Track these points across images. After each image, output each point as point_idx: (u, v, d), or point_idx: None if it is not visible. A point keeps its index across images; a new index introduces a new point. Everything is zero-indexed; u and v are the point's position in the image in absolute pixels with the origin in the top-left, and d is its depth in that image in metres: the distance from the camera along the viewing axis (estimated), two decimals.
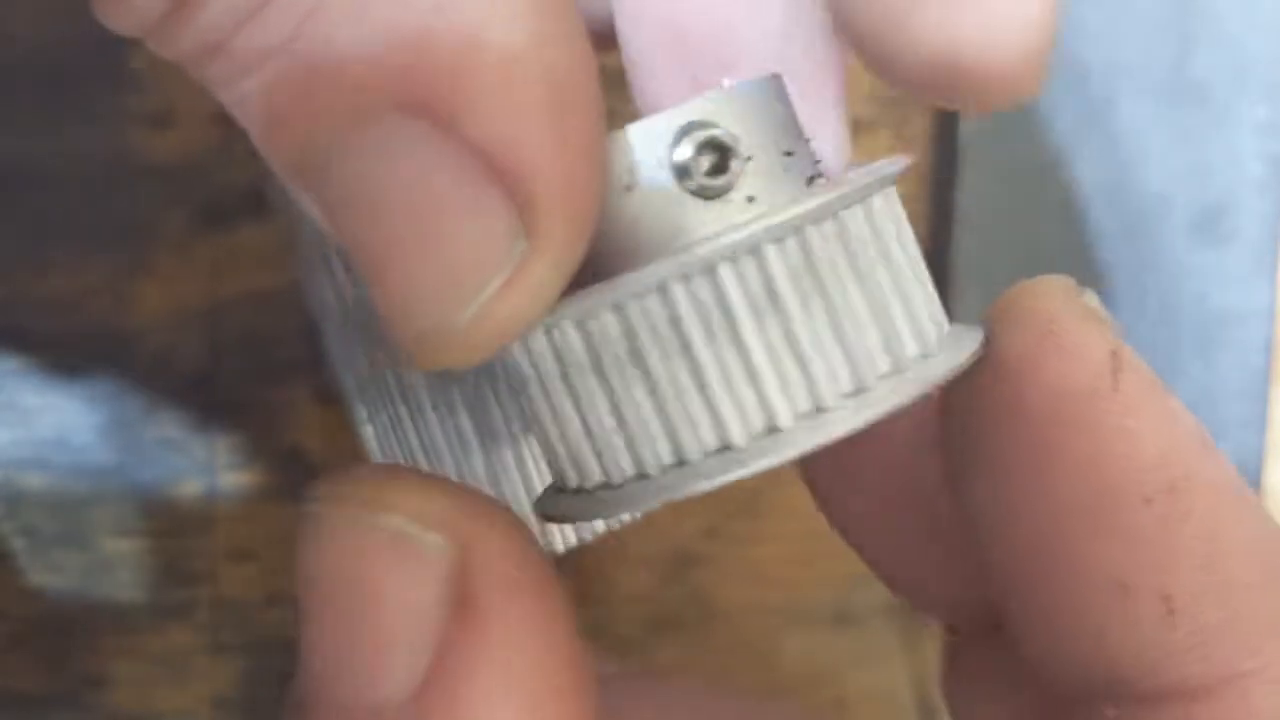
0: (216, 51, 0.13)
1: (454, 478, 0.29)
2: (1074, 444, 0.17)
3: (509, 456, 0.29)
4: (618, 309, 0.15)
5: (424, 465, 0.30)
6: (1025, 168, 0.36)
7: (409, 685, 0.15)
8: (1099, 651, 0.17)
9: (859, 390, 0.16)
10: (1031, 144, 0.35)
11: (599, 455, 0.16)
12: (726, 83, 0.17)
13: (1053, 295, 0.18)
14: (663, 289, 0.15)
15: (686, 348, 0.15)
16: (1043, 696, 0.19)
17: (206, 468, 0.34)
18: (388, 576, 0.16)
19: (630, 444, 0.16)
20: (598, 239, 0.15)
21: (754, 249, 0.15)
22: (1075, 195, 0.36)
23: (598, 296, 0.15)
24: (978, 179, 0.35)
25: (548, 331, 0.15)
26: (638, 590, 0.36)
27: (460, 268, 0.14)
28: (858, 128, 0.35)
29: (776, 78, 0.17)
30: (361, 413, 0.30)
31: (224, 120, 0.35)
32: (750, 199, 0.16)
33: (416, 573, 0.16)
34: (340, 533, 0.16)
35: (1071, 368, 0.17)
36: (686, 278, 0.15)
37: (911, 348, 0.17)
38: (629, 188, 0.16)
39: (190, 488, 0.34)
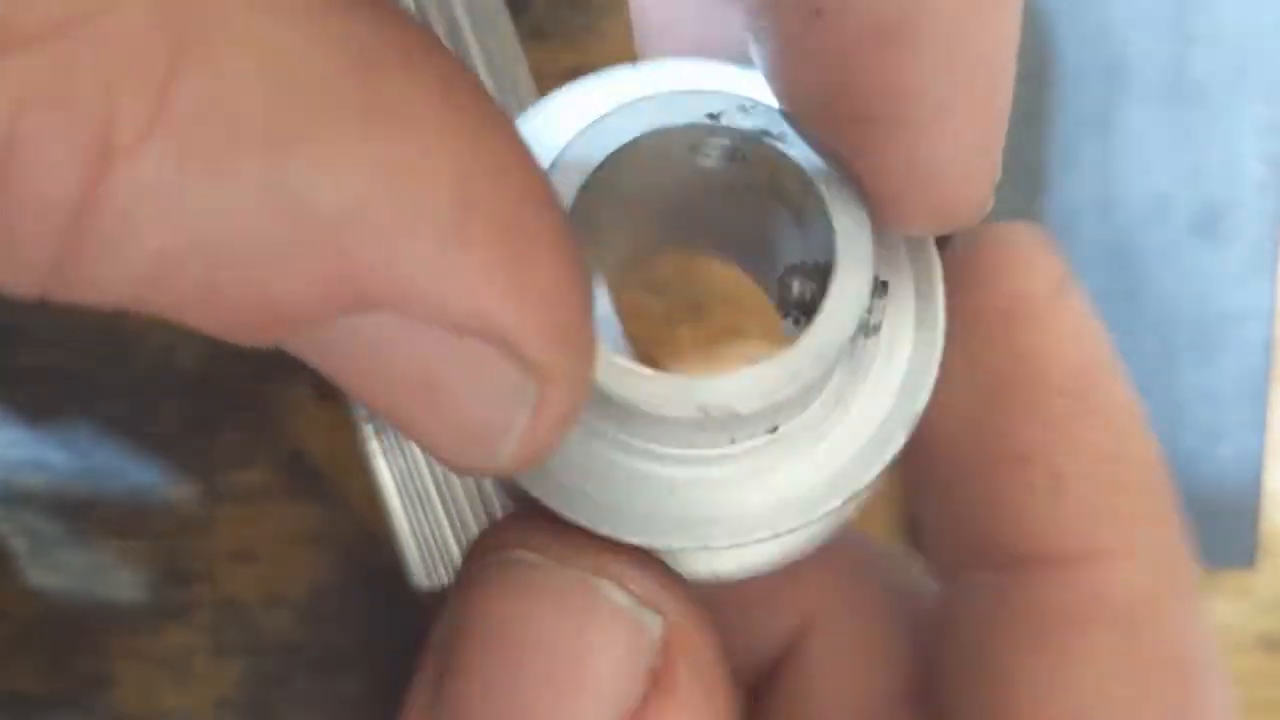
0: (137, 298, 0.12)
1: (453, 474, 0.29)
2: (1016, 337, 0.19)
3: None
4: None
5: (423, 463, 0.30)
6: (1025, 168, 0.35)
7: None
8: (987, 516, 0.19)
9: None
10: (1031, 144, 0.35)
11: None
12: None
13: (1023, 229, 0.20)
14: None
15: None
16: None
17: (205, 468, 0.34)
18: (594, 639, 0.16)
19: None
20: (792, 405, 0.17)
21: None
22: (1074, 195, 0.36)
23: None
24: None
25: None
26: None
27: (479, 428, 0.14)
28: None
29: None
30: (361, 413, 0.30)
31: None
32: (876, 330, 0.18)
33: (627, 642, 0.16)
34: (552, 592, 0.16)
35: (1029, 277, 0.19)
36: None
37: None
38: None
39: (189, 488, 0.34)
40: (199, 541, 0.34)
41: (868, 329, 0.17)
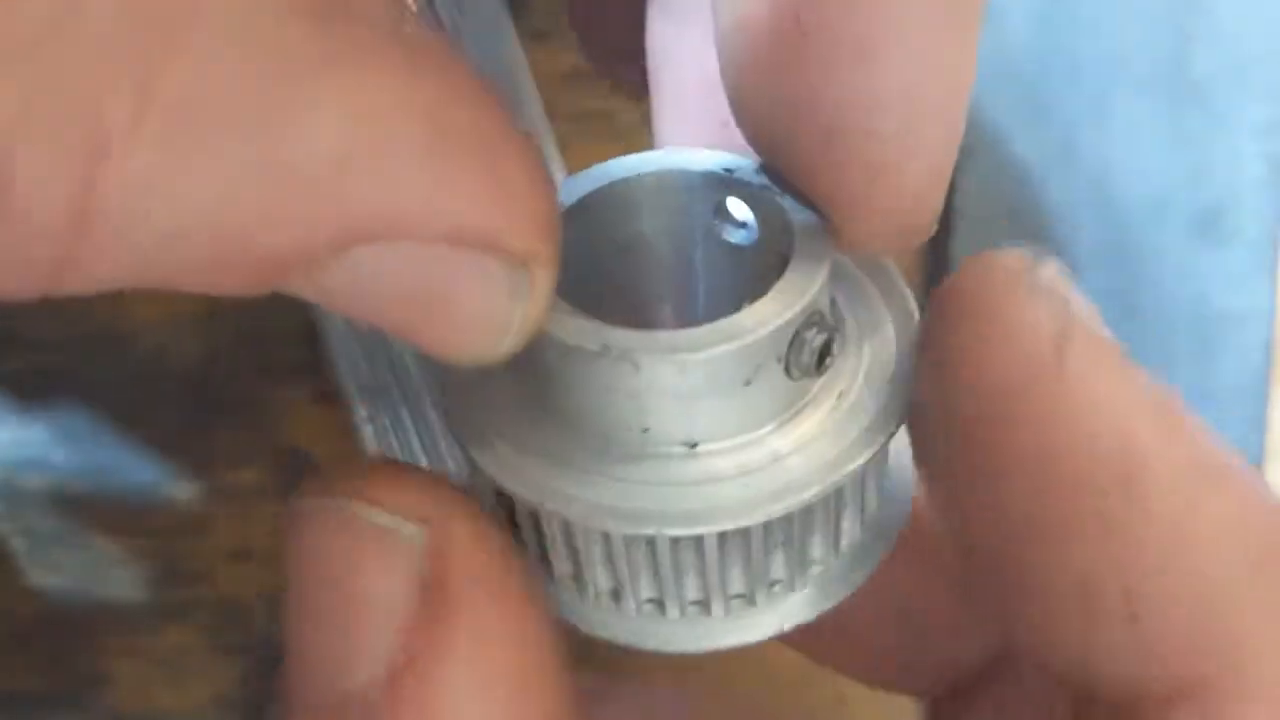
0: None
1: (452, 474, 0.29)
2: (1023, 436, 0.16)
3: None
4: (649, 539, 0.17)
5: (425, 465, 0.30)
6: (1024, 167, 0.36)
7: (380, 672, 0.16)
8: (1070, 656, 0.16)
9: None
10: (1031, 144, 0.35)
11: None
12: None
13: (994, 275, 0.16)
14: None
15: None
16: None
17: (204, 467, 0.34)
18: (364, 564, 0.16)
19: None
20: (705, 416, 0.17)
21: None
22: (1075, 195, 0.36)
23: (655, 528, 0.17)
24: (977, 177, 0.35)
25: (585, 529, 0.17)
26: None
27: (484, 324, 0.15)
28: None
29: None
30: (361, 413, 0.30)
31: None
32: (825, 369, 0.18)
33: (391, 561, 0.16)
34: (320, 523, 0.17)
35: (1013, 352, 0.16)
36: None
37: (850, 539, 0.19)
38: (748, 383, 0.17)
39: (189, 488, 0.34)
40: (197, 541, 0.34)
41: (805, 362, 0.17)
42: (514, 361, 0.17)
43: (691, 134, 0.20)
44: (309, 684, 0.17)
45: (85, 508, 0.34)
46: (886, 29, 0.15)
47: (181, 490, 0.34)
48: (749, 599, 0.18)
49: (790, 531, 0.18)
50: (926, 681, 0.22)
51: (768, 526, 0.17)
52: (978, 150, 0.35)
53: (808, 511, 0.17)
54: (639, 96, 0.23)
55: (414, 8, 0.15)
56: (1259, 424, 0.36)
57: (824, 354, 0.17)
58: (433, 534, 0.16)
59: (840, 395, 0.18)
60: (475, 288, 0.15)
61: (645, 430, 0.17)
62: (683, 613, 0.18)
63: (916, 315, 0.18)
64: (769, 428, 0.17)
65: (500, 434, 0.18)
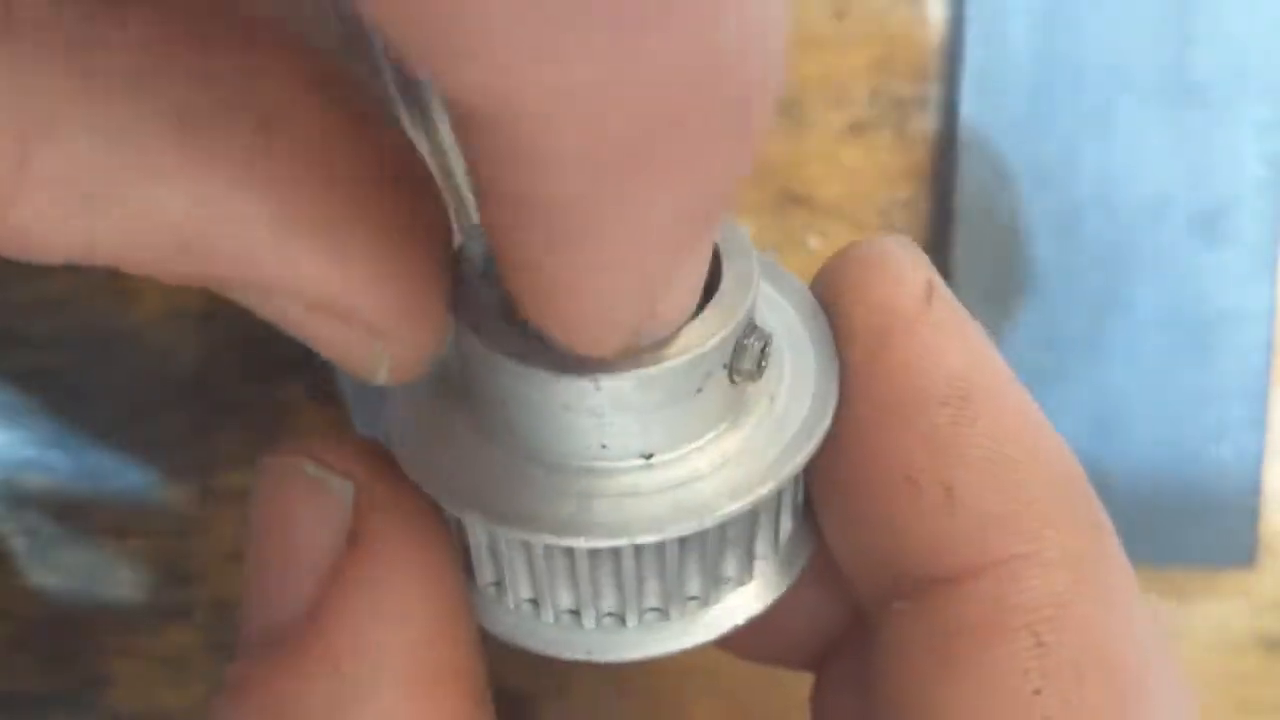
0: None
1: None
2: (889, 354, 0.19)
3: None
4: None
5: None
6: (1025, 168, 0.35)
7: (303, 609, 0.18)
8: (889, 541, 0.19)
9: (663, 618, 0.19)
10: (1031, 144, 0.35)
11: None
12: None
13: (885, 239, 0.20)
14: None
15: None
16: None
17: (203, 468, 0.34)
18: (297, 513, 0.19)
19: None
20: (657, 430, 0.18)
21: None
22: (1074, 196, 0.36)
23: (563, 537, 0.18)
24: (977, 179, 0.35)
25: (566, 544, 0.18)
26: None
27: (354, 364, 0.18)
28: (859, 128, 0.35)
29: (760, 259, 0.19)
30: (361, 414, 0.30)
31: None
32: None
33: (321, 511, 0.18)
34: (269, 477, 0.19)
35: (895, 291, 0.19)
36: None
37: (763, 551, 0.20)
38: (699, 390, 0.18)
39: (187, 488, 0.34)
40: (197, 541, 0.34)
41: (747, 367, 0.18)
42: (464, 379, 0.18)
43: None
44: (249, 624, 0.19)
45: (85, 508, 0.34)
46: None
47: (181, 491, 0.34)
48: (663, 612, 0.19)
49: (704, 547, 0.18)
50: (800, 655, 0.25)
51: (684, 540, 0.18)
52: (979, 153, 0.35)
53: (723, 528, 0.18)
54: None
55: (311, 104, 0.17)
56: (1259, 424, 0.36)
57: (762, 357, 0.18)
58: (359, 489, 0.19)
59: (770, 399, 0.19)
60: (334, 339, 0.17)
61: (604, 446, 0.18)
62: (598, 623, 0.19)
63: (814, 302, 0.20)
64: (713, 434, 0.19)
65: (441, 447, 0.19)
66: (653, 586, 0.19)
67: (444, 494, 0.18)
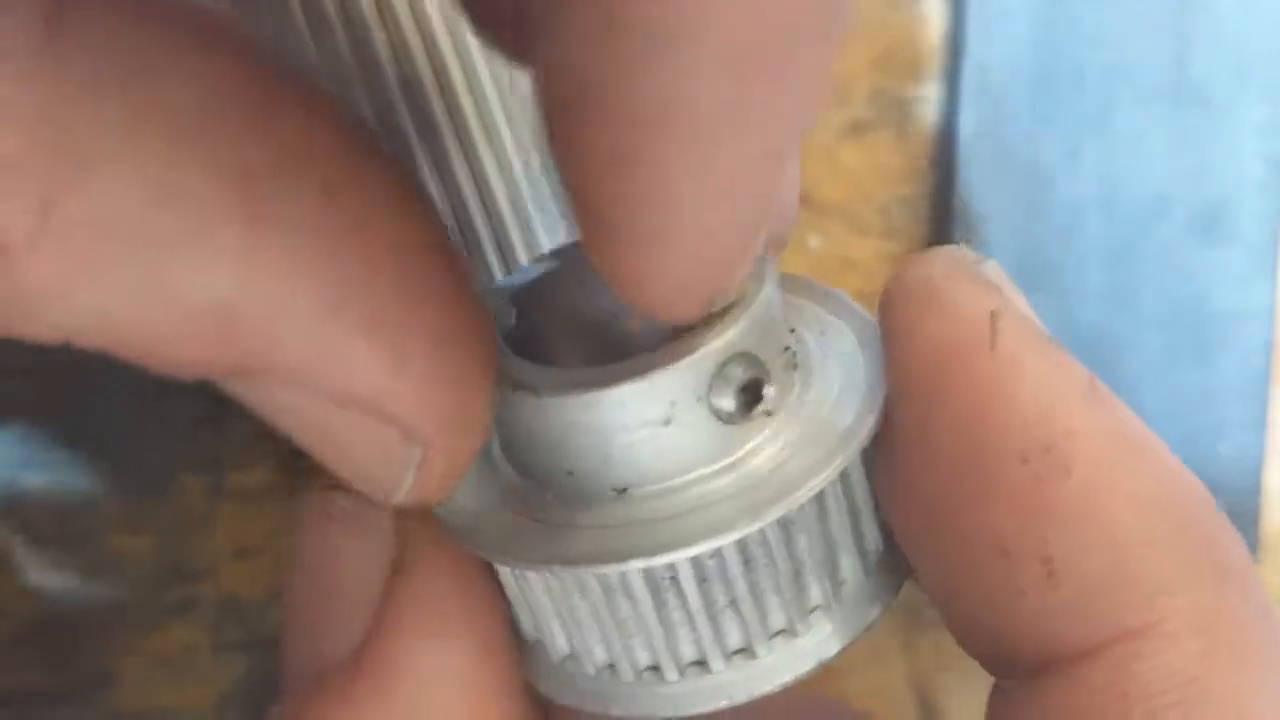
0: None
1: None
2: (953, 405, 0.16)
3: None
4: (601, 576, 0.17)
5: None
6: (1025, 168, 0.36)
7: (352, 641, 0.18)
8: (990, 618, 0.17)
9: (748, 654, 0.18)
10: (1031, 144, 0.35)
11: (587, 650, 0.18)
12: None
13: (937, 263, 0.18)
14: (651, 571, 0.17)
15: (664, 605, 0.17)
16: None
17: (208, 464, 0.34)
18: (338, 548, 0.18)
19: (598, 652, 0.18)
20: (624, 464, 0.17)
21: (723, 546, 0.16)
22: (1075, 195, 0.36)
23: (608, 566, 0.16)
24: (977, 179, 0.35)
25: (559, 576, 0.17)
26: None
27: (374, 477, 0.16)
28: (859, 128, 0.35)
29: (783, 280, 0.18)
30: None
31: None
32: (768, 413, 0.17)
33: (362, 544, 0.18)
34: (309, 513, 0.19)
35: (949, 328, 0.17)
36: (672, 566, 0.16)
37: (819, 600, 0.18)
38: (667, 421, 0.16)
39: (193, 486, 0.34)
40: (201, 539, 0.34)
41: (731, 404, 0.17)
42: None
43: None
44: (297, 661, 0.18)
45: (86, 506, 0.34)
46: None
47: (185, 488, 0.34)
48: (705, 665, 0.18)
49: (732, 587, 0.17)
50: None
51: (702, 578, 0.17)
52: (980, 153, 0.35)
53: (753, 553, 0.17)
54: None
55: (367, 180, 0.15)
56: (1259, 424, 0.36)
57: (752, 395, 0.17)
58: (399, 521, 0.18)
59: (785, 440, 0.17)
60: (364, 445, 0.16)
61: (570, 473, 0.17)
62: (636, 676, 0.18)
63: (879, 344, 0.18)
64: (702, 471, 0.17)
65: (471, 495, 0.18)
66: (731, 622, 0.17)
67: (472, 543, 0.18)
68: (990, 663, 0.17)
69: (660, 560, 0.16)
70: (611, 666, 0.18)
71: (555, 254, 0.20)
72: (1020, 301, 0.18)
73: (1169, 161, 0.36)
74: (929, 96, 0.35)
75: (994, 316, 0.17)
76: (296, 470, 0.34)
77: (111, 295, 0.14)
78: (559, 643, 0.18)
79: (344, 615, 0.18)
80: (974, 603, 0.17)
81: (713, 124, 0.12)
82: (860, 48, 0.35)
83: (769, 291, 0.17)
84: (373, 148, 0.15)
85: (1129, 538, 0.16)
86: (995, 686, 0.18)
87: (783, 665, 0.18)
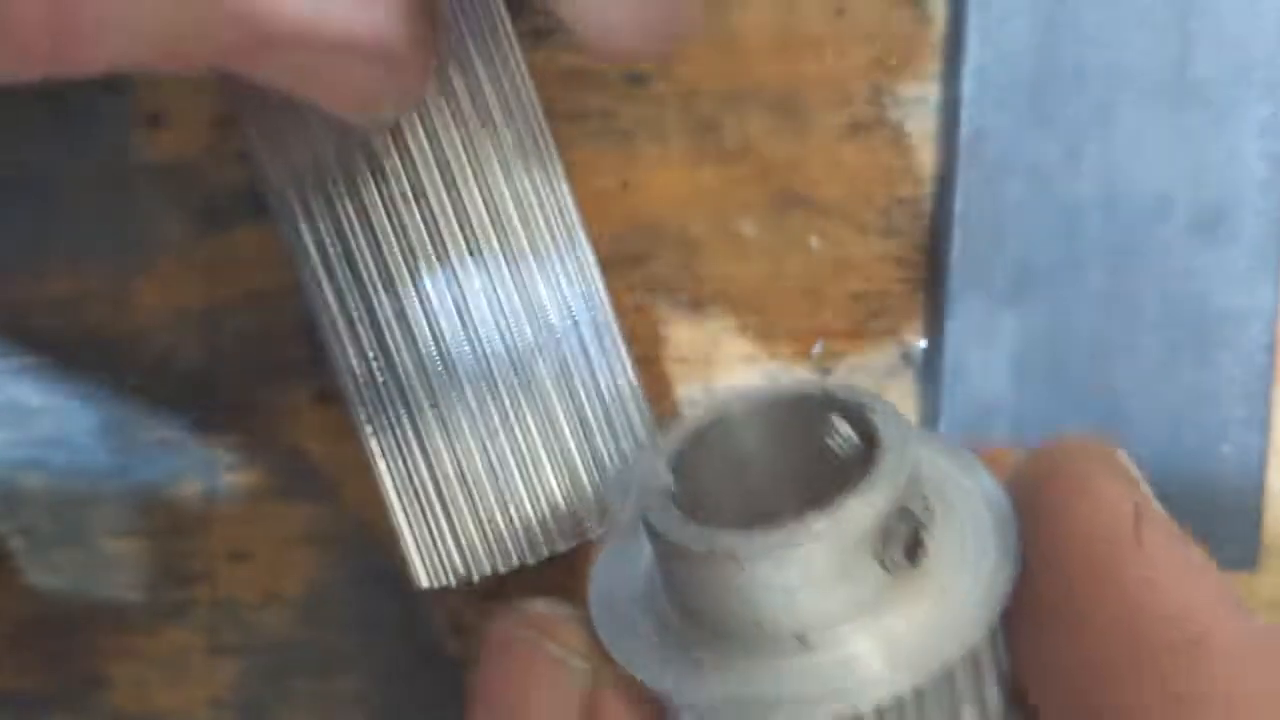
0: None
1: (452, 474, 0.29)
2: (1101, 593, 0.18)
3: (506, 451, 0.30)
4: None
5: (422, 464, 0.30)
6: (1025, 168, 0.35)
7: None
8: None
9: None
10: (1031, 144, 0.35)
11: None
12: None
13: (1086, 453, 0.19)
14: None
15: None
16: None
17: (206, 468, 0.34)
18: (538, 688, 0.20)
19: None
20: (809, 606, 0.18)
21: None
22: (1075, 195, 0.36)
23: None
24: (978, 179, 0.35)
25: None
26: None
27: (366, 101, 0.23)
28: (859, 128, 0.35)
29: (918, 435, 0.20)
30: (361, 413, 0.30)
31: (219, 122, 0.35)
32: (924, 570, 0.19)
33: (560, 688, 0.20)
34: (512, 648, 0.21)
35: (1098, 517, 0.18)
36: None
37: None
38: (844, 574, 0.18)
39: (189, 488, 0.34)
40: (197, 541, 0.34)
41: (897, 556, 0.18)
42: (655, 578, 0.19)
43: None
44: None
45: (84, 508, 0.34)
46: None
47: (180, 491, 0.34)
48: None
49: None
50: None
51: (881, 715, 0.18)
52: (980, 153, 0.35)
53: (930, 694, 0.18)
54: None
55: None
56: (1259, 424, 0.36)
57: (914, 546, 0.18)
58: (595, 671, 0.20)
59: (943, 590, 0.19)
60: (350, 80, 0.21)
61: (757, 624, 0.19)
62: None
63: (1010, 509, 0.19)
64: (872, 619, 0.18)
65: (643, 638, 0.20)
66: None
67: (656, 680, 0.19)
68: None
69: (848, 707, 0.18)
70: None
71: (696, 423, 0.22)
72: (1155, 499, 0.19)
73: (1169, 161, 0.36)
74: (929, 96, 0.35)
75: (1138, 509, 0.18)
76: (292, 472, 0.34)
77: (158, 13, 0.18)
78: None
79: None
80: None
81: None
82: (860, 48, 0.34)
83: (915, 448, 0.19)
84: None
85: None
86: None
87: None
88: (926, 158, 0.35)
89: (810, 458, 0.21)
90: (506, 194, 0.29)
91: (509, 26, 0.29)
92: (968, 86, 0.35)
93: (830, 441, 0.21)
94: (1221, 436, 0.36)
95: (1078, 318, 0.36)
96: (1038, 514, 0.19)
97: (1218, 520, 0.36)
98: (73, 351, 0.34)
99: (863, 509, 0.18)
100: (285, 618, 0.34)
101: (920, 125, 0.35)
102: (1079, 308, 0.36)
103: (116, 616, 0.34)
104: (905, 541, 0.18)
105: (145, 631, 0.34)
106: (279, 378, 0.34)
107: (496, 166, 0.29)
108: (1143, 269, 0.36)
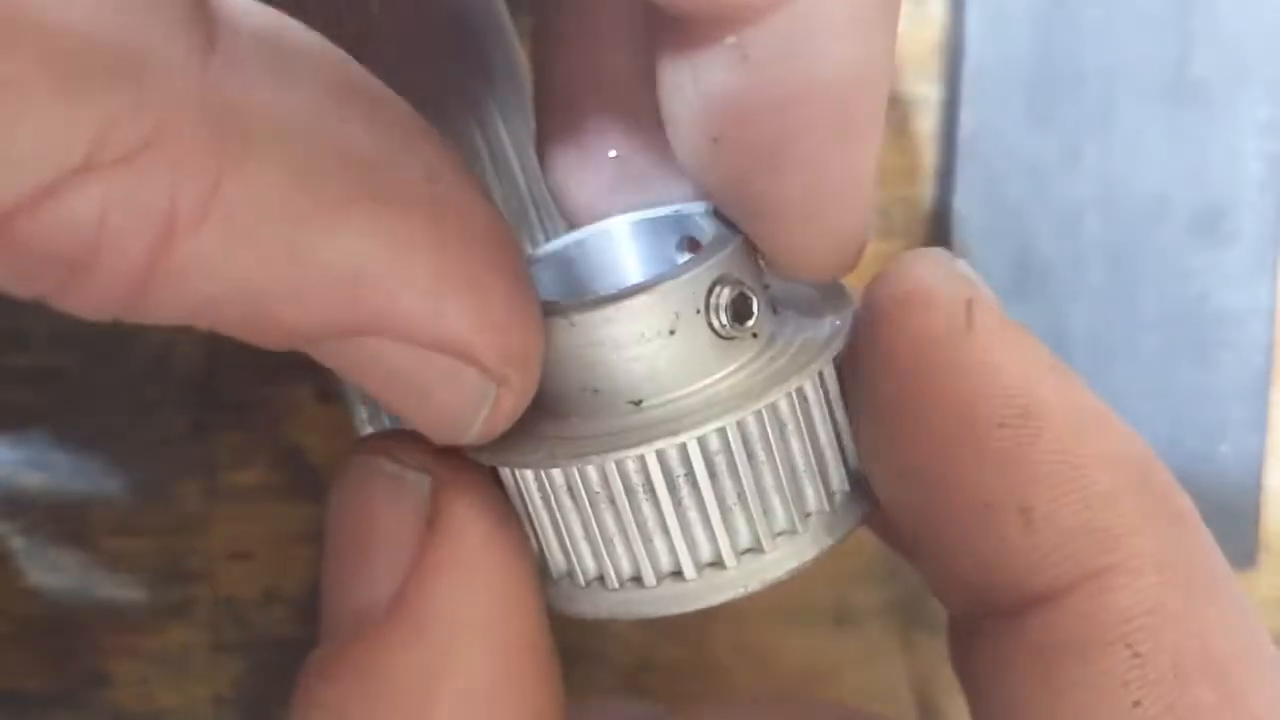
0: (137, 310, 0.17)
1: None
2: (938, 382, 0.19)
3: None
4: (620, 463, 0.19)
5: None
6: (1025, 168, 0.36)
7: (390, 589, 0.20)
8: (976, 567, 0.19)
9: (754, 550, 0.20)
10: (1031, 144, 0.35)
11: (593, 558, 0.20)
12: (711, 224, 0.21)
13: (918, 261, 0.20)
14: (647, 456, 0.19)
15: (654, 498, 0.20)
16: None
17: (205, 467, 0.34)
18: (376, 505, 0.20)
19: (611, 559, 0.20)
20: (639, 375, 0.20)
21: (726, 423, 0.19)
22: (1075, 195, 0.36)
23: (624, 451, 0.19)
24: (978, 179, 0.35)
25: (564, 470, 0.20)
26: None
27: (452, 418, 0.19)
28: None
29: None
30: (361, 413, 0.30)
31: None
32: (754, 335, 0.20)
33: (400, 503, 0.20)
34: (350, 474, 0.21)
35: (931, 316, 0.19)
36: (661, 450, 0.19)
37: (814, 505, 0.21)
38: (672, 332, 0.19)
39: (188, 487, 0.34)
40: (198, 540, 0.34)
41: (724, 317, 0.20)
42: None
43: (584, 163, 0.24)
44: (332, 611, 0.21)
45: (85, 507, 0.34)
46: (780, 146, 0.18)
47: (181, 490, 0.34)
48: (720, 564, 0.20)
49: (739, 482, 0.19)
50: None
51: (712, 473, 0.19)
52: (980, 154, 0.35)
53: (754, 447, 0.19)
54: None
55: (454, 166, 0.19)
56: (1259, 424, 0.36)
57: (741, 308, 0.20)
58: (434, 481, 0.20)
59: (772, 350, 0.20)
60: (448, 389, 0.19)
61: (595, 391, 0.20)
62: (658, 580, 0.20)
63: (854, 302, 0.21)
64: (705, 382, 0.20)
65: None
66: (740, 520, 0.20)
67: (491, 457, 0.20)
68: (971, 607, 0.20)
69: (673, 441, 0.19)
70: (637, 578, 0.20)
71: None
72: (990, 294, 0.20)
73: (1169, 161, 0.36)
74: (929, 96, 0.35)
75: (970, 304, 0.19)
76: (292, 471, 0.34)
77: (259, 264, 0.16)
78: (587, 565, 0.20)
79: (382, 566, 0.20)
80: (959, 554, 0.19)
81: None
82: None
83: (745, 240, 0.20)
84: (447, 142, 0.19)
85: (1097, 490, 0.18)
86: (958, 628, 0.20)
87: (787, 558, 0.20)
88: (926, 158, 0.36)
89: (661, 269, 0.22)
90: (507, 192, 0.29)
91: (511, 27, 0.29)
92: (968, 86, 0.35)
93: (678, 255, 0.22)
94: (1220, 436, 0.36)
95: (1077, 317, 0.36)
96: (879, 317, 0.20)
97: (1216, 519, 0.36)
98: (73, 350, 0.34)
99: (683, 271, 0.20)
100: (285, 616, 0.34)
101: (920, 125, 0.35)
102: (1078, 307, 0.36)
103: (118, 615, 0.34)
104: (732, 307, 0.19)
105: (147, 630, 0.34)
106: (280, 377, 0.34)
107: (497, 166, 0.29)
108: (1142, 269, 0.36)
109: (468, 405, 0.19)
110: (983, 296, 0.20)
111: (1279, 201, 0.36)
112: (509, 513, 0.21)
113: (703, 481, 0.19)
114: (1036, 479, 0.18)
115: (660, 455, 0.19)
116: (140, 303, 0.16)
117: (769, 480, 0.20)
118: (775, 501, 0.20)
